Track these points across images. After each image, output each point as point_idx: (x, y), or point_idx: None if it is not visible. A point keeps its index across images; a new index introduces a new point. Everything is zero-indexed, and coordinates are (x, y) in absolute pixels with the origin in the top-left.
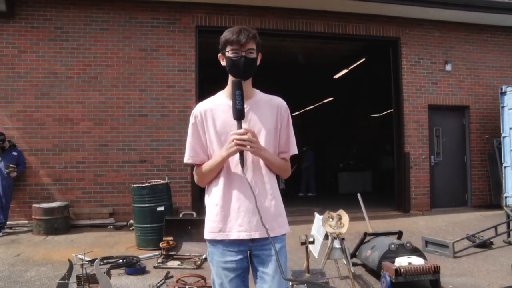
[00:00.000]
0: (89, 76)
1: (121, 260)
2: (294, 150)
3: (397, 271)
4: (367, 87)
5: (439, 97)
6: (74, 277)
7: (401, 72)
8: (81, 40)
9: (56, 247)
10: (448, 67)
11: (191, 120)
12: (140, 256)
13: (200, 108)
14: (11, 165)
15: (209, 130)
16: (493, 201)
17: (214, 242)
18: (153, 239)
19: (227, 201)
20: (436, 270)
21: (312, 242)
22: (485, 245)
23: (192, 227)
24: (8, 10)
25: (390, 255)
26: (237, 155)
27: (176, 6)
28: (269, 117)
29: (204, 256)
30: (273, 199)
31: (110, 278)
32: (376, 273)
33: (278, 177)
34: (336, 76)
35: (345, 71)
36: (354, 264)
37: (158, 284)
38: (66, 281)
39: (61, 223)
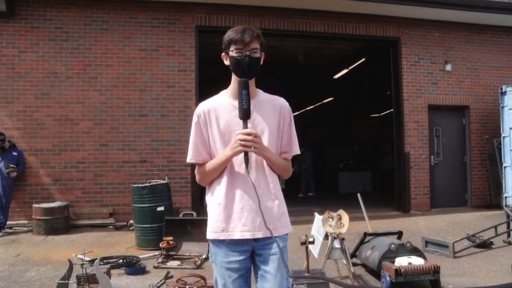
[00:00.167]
0: (89, 76)
1: (121, 260)
2: (296, 151)
3: (397, 271)
4: (367, 87)
5: (439, 97)
6: (74, 277)
7: (401, 72)
8: (81, 40)
9: (56, 247)
10: (448, 67)
11: (194, 119)
12: (140, 256)
13: (203, 107)
14: (11, 165)
15: (212, 130)
16: (493, 201)
17: (217, 242)
18: (153, 239)
19: (230, 200)
20: (436, 270)
21: (312, 242)
22: (485, 245)
23: (192, 227)
24: (8, 10)
25: (390, 255)
26: (241, 154)
27: (176, 6)
28: (272, 117)
29: (204, 256)
30: (276, 199)
31: (110, 278)
32: (376, 273)
33: (278, 177)
34: (336, 76)
35: (345, 71)
36: (354, 264)
37: (158, 284)
38: (66, 281)
39: (61, 223)
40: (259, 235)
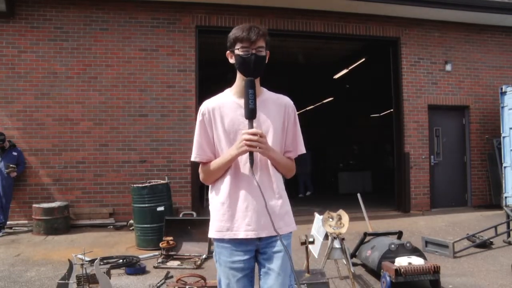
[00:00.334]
0: (89, 76)
1: (121, 260)
2: (302, 150)
3: (397, 271)
4: (367, 87)
5: (439, 97)
6: (74, 277)
7: (401, 72)
8: (81, 40)
9: (56, 247)
10: (448, 67)
11: (199, 118)
12: (140, 256)
13: (208, 105)
14: (11, 165)
15: (217, 128)
16: (493, 201)
17: (221, 241)
18: (153, 239)
19: (234, 200)
20: (436, 270)
21: (312, 242)
22: (485, 245)
23: (192, 227)
24: (8, 10)
25: (390, 255)
26: (246, 154)
27: (176, 6)
28: (276, 116)
29: (204, 256)
30: (280, 198)
31: (110, 278)
32: (376, 273)
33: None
34: (336, 76)
35: (345, 71)
36: (354, 264)
37: (158, 284)
38: (66, 281)
39: (61, 223)
40: (263, 234)
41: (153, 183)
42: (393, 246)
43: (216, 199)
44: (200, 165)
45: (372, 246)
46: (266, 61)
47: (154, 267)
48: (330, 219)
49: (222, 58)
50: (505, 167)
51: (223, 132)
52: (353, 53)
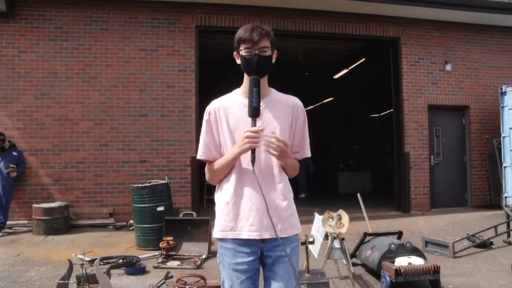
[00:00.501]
0: (89, 76)
1: (121, 260)
2: (307, 153)
3: (397, 271)
4: (367, 87)
5: (439, 97)
6: (74, 277)
7: (401, 72)
8: (81, 40)
9: (56, 247)
10: (448, 67)
11: (205, 117)
12: (140, 256)
13: (215, 105)
14: (11, 165)
15: (222, 127)
16: (493, 201)
17: (224, 242)
18: (153, 239)
19: (238, 199)
20: (436, 270)
21: (312, 242)
22: (485, 245)
23: (192, 227)
24: (8, 10)
25: (390, 255)
26: (250, 152)
27: (176, 6)
28: (284, 116)
29: (204, 256)
30: (285, 199)
31: (110, 278)
32: (376, 273)
33: None
34: (336, 76)
35: (345, 71)
36: (354, 264)
37: (158, 284)
38: (66, 281)
39: (61, 223)
40: (266, 235)
41: (153, 183)
42: (393, 246)
43: (221, 198)
44: (206, 165)
45: (372, 246)
46: (274, 60)
47: (154, 267)
48: (330, 219)
49: (222, 58)
50: (505, 167)
51: (228, 132)
52: (353, 53)
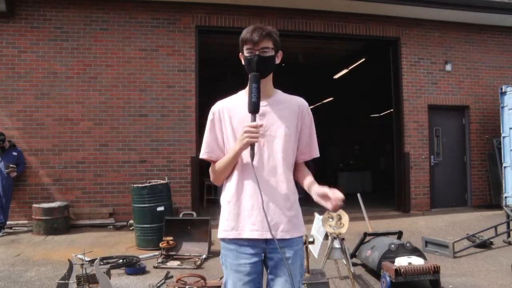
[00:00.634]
0: (89, 76)
1: (121, 260)
2: (315, 154)
3: (397, 271)
4: (367, 87)
5: (439, 97)
6: (74, 277)
7: (401, 72)
8: (81, 40)
9: (56, 247)
10: (448, 67)
11: (210, 117)
12: (140, 256)
13: (219, 105)
14: (11, 165)
15: (226, 127)
16: (493, 201)
17: (227, 242)
18: (153, 239)
19: (239, 198)
20: (436, 270)
21: (312, 242)
22: (485, 245)
23: (192, 227)
24: (8, 10)
25: (390, 255)
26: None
27: (176, 6)
28: (288, 116)
29: (204, 256)
30: (289, 200)
31: (110, 278)
32: (376, 273)
33: None
34: (336, 76)
35: (345, 71)
36: (354, 264)
37: (158, 284)
38: (66, 281)
39: (61, 223)
40: (268, 235)
41: (153, 183)
42: (393, 246)
43: (224, 198)
44: (211, 165)
45: (372, 246)
46: (278, 61)
47: (154, 267)
48: (330, 219)
49: (222, 58)
50: (505, 167)
51: (231, 131)
52: (353, 53)
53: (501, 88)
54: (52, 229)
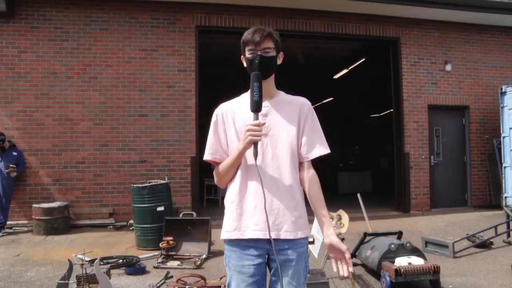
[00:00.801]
0: (89, 76)
1: (121, 260)
2: (324, 150)
3: (397, 271)
4: (367, 87)
5: (439, 97)
6: (74, 277)
7: (401, 72)
8: (81, 40)
9: (56, 247)
10: (448, 67)
11: (213, 119)
12: (140, 256)
13: (222, 107)
14: (11, 165)
15: (229, 129)
16: (493, 201)
17: (231, 243)
18: (153, 239)
19: (242, 198)
20: (436, 270)
21: (312, 242)
22: (485, 245)
23: (192, 227)
24: (8, 10)
25: (390, 255)
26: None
27: (176, 6)
28: (291, 116)
29: (204, 256)
30: (293, 200)
31: (110, 278)
32: (376, 273)
33: None
34: (336, 76)
35: (345, 71)
36: (354, 264)
37: (158, 284)
38: (66, 281)
39: (61, 223)
40: (272, 235)
41: (153, 183)
42: (393, 246)
43: (227, 198)
44: (215, 168)
45: (372, 246)
46: (280, 61)
47: (154, 267)
48: (330, 219)
49: (222, 58)
50: (505, 167)
51: (234, 133)
52: (353, 53)
53: (501, 88)
54: (52, 229)
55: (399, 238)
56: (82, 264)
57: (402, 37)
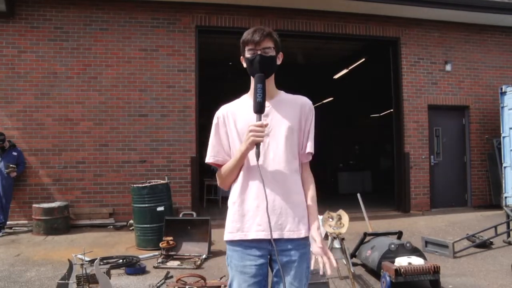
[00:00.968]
0: (89, 76)
1: (121, 260)
2: (309, 149)
3: (397, 271)
4: (367, 87)
5: (439, 97)
6: (74, 277)
7: (401, 72)
8: (81, 40)
9: (56, 247)
10: (448, 67)
11: (214, 121)
12: (140, 256)
13: (223, 109)
14: (11, 165)
15: (231, 130)
16: (493, 201)
17: (233, 244)
18: (153, 239)
19: (245, 199)
20: (436, 270)
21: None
22: (485, 245)
23: (192, 227)
24: (8, 10)
25: (390, 255)
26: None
27: (176, 6)
28: (292, 116)
29: (204, 256)
30: (295, 199)
31: (110, 278)
32: (376, 273)
33: None
34: (336, 76)
35: (345, 71)
36: (354, 264)
37: (158, 284)
38: (66, 281)
39: (61, 223)
40: (275, 235)
41: (153, 183)
42: (393, 246)
43: (230, 200)
44: (217, 170)
45: (372, 246)
46: (279, 62)
47: (154, 267)
48: (330, 219)
49: (222, 58)
50: (505, 167)
51: (236, 134)
52: (353, 53)
53: (501, 88)
54: (52, 229)
55: (399, 238)
56: (82, 264)
57: (402, 37)
